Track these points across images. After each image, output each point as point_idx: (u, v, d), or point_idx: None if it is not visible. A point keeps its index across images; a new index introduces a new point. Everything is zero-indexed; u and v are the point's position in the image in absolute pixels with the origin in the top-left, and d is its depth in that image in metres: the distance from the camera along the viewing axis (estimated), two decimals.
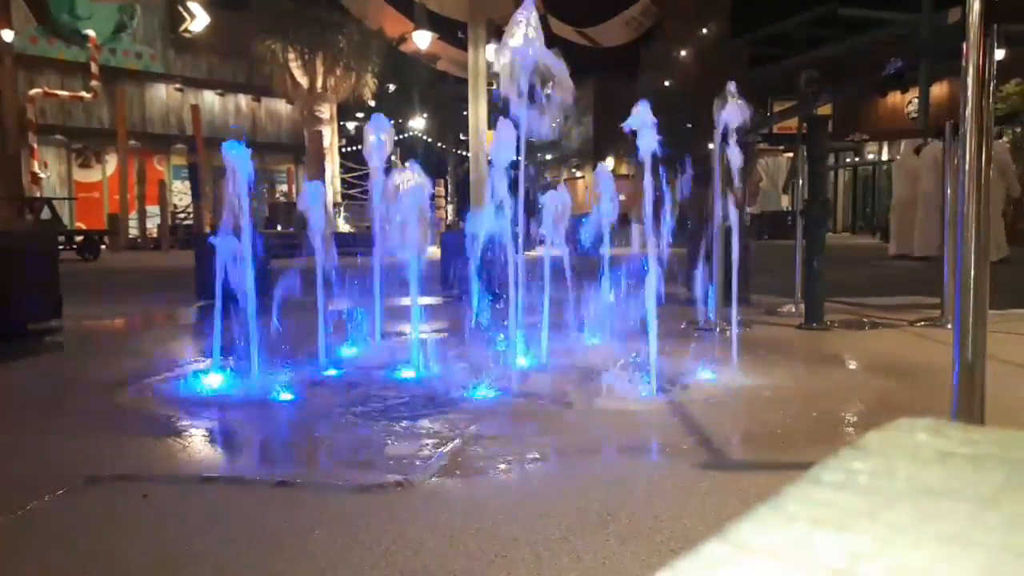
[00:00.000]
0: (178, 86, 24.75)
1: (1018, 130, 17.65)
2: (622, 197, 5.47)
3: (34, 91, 20.05)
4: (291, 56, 21.08)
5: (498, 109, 3.46)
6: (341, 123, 24.72)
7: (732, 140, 3.84)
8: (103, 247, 16.54)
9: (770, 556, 0.34)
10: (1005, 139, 14.26)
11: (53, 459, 2.38)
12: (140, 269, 12.90)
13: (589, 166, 32.20)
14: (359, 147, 4.65)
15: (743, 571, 0.33)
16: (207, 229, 14.39)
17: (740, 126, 3.83)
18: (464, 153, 28.42)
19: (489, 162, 3.41)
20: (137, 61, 23.89)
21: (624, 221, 6.10)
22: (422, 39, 18.46)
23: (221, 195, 3.41)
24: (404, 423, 2.78)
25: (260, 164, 3.72)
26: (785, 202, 25.62)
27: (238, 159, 3.30)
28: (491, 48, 15.87)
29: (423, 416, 2.87)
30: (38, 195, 18.30)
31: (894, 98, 26.43)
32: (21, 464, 2.37)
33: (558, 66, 3.20)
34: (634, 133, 3.27)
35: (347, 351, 4.10)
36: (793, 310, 5.58)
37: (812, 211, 5.02)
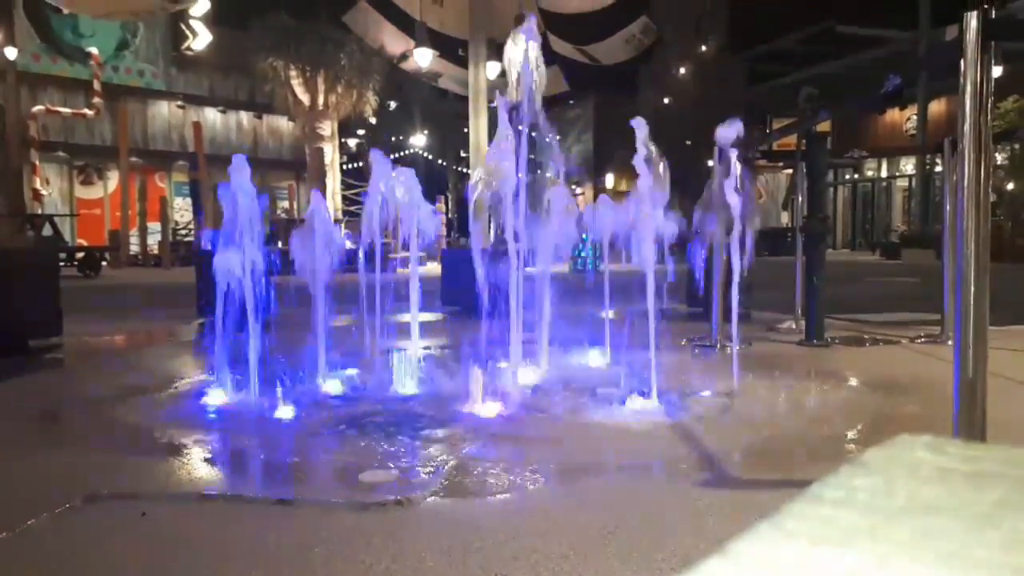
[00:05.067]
0: (180, 103, 24.85)
1: (1016, 147, 17.71)
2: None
3: (36, 108, 20.10)
4: (293, 73, 21.18)
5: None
6: (342, 140, 24.79)
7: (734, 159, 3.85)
8: (104, 263, 16.53)
9: (770, 573, 0.34)
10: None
11: (51, 477, 2.37)
12: (141, 285, 12.90)
13: (589, 182, 32.30)
14: (360, 164, 4.69)
15: None
16: (208, 246, 14.39)
17: (740, 145, 3.84)
18: (464, 170, 28.51)
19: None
20: (139, 78, 24.00)
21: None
22: (423, 57, 18.53)
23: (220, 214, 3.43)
24: (404, 440, 2.77)
25: (261, 180, 3.74)
26: (785, 219, 25.69)
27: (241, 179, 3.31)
28: (491, 66, 15.95)
29: (423, 433, 2.86)
30: (40, 211, 18.31)
31: (892, 115, 26.55)
32: (19, 482, 2.36)
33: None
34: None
35: (347, 368, 4.10)
36: (793, 326, 5.58)
37: (812, 228, 5.03)
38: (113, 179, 22.72)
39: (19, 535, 1.88)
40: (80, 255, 15.82)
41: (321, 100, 21.68)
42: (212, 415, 3.21)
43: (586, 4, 19.21)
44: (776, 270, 7.62)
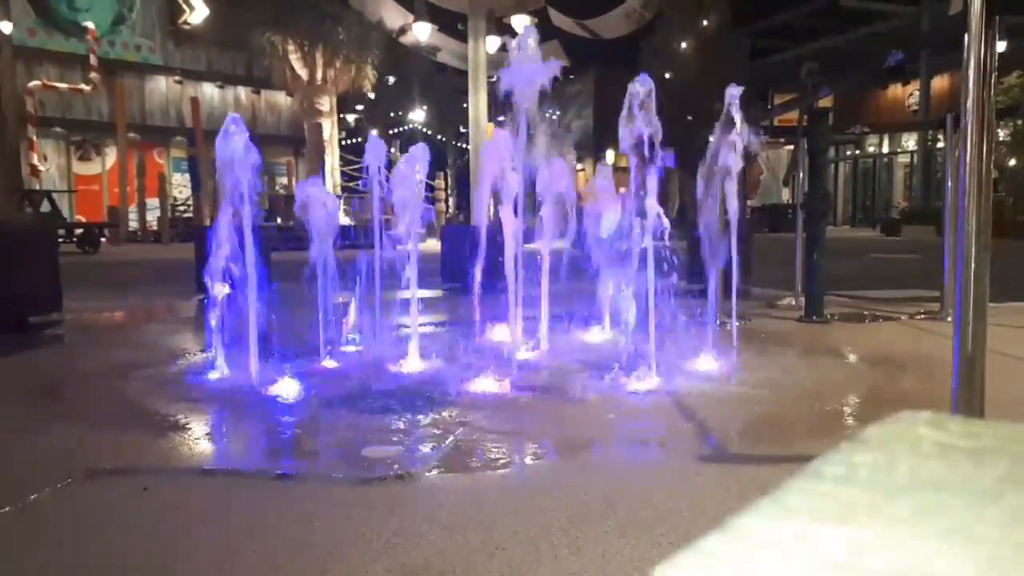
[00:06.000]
0: (177, 78, 24.66)
1: (1019, 123, 17.62)
2: (622, 190, 5.44)
3: (33, 83, 19.96)
4: (290, 48, 21.00)
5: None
6: (341, 115, 24.64)
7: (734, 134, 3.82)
8: (103, 240, 16.51)
9: (770, 549, 0.34)
10: None
11: (53, 452, 2.38)
12: (140, 262, 12.89)
13: (590, 158, 32.15)
14: (359, 139, 4.69)
15: (743, 564, 0.33)
16: (207, 222, 14.36)
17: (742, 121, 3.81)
18: (464, 145, 28.36)
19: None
20: (136, 53, 23.80)
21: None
22: (422, 31, 18.40)
23: (220, 188, 3.40)
24: (404, 416, 2.78)
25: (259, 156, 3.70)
26: (786, 195, 25.61)
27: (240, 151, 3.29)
28: (491, 40, 15.83)
29: (423, 409, 2.87)
30: (38, 188, 18.24)
31: (895, 90, 26.37)
32: (22, 457, 2.38)
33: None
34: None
35: (347, 344, 4.10)
36: (793, 303, 5.58)
37: (812, 204, 5.02)
38: (111, 155, 22.60)
39: (22, 510, 1.89)
40: (79, 231, 15.79)
41: (319, 75, 21.52)
42: (213, 390, 3.22)
43: None
44: (776, 246, 7.61)
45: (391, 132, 28.23)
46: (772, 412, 2.79)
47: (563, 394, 3.09)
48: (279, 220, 17.98)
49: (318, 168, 19.87)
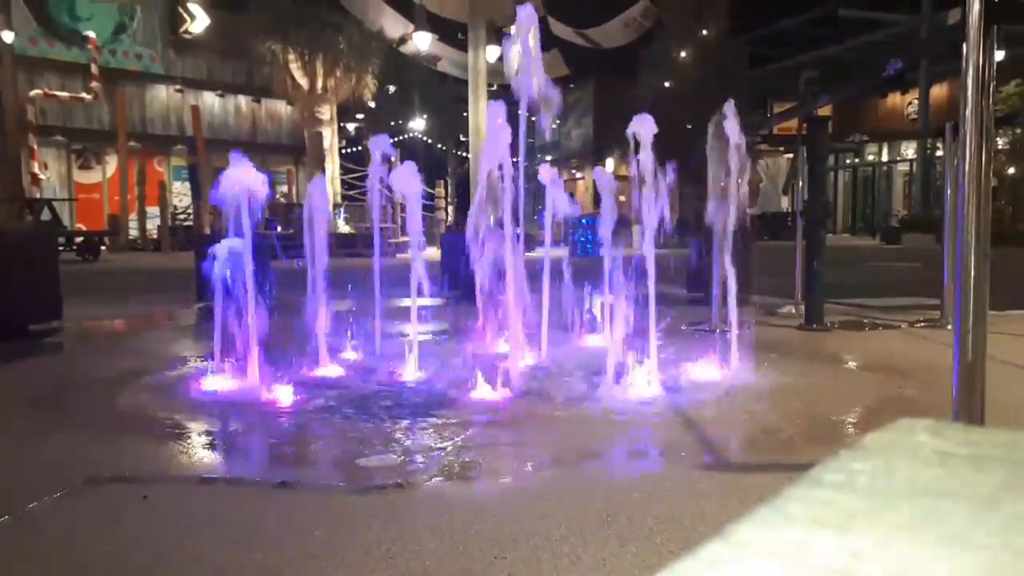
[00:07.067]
0: (178, 87, 24.73)
1: (1018, 131, 17.66)
2: (622, 199, 5.46)
3: (34, 92, 20.02)
4: (291, 57, 21.06)
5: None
6: (341, 124, 24.69)
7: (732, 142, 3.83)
8: (103, 248, 16.53)
9: (770, 557, 0.34)
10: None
11: (53, 460, 2.37)
12: (140, 270, 12.89)
13: (589, 167, 32.16)
14: (359, 148, 4.68)
15: (743, 572, 0.33)
16: (207, 231, 14.38)
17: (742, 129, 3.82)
18: (464, 154, 28.40)
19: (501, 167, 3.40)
20: (137, 62, 23.87)
21: (624, 222, 6.09)
22: (422, 40, 18.47)
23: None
24: (404, 424, 2.78)
25: (260, 165, 3.70)
26: (785, 203, 25.61)
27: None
28: (491, 49, 15.88)
29: (423, 417, 2.87)
30: (38, 196, 18.27)
31: (894, 99, 26.44)
32: (20, 465, 2.37)
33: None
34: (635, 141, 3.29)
35: (347, 353, 4.10)
36: (793, 311, 5.58)
37: (812, 212, 5.02)
38: (112, 163, 22.63)
39: (20, 519, 1.89)
40: (79, 239, 15.81)
41: (320, 84, 21.57)
42: (212, 398, 3.21)
43: None
44: (776, 254, 7.61)
45: (391, 141, 28.28)
46: (771, 420, 2.79)
47: (563, 402, 3.08)
48: (279, 228, 17.97)
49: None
